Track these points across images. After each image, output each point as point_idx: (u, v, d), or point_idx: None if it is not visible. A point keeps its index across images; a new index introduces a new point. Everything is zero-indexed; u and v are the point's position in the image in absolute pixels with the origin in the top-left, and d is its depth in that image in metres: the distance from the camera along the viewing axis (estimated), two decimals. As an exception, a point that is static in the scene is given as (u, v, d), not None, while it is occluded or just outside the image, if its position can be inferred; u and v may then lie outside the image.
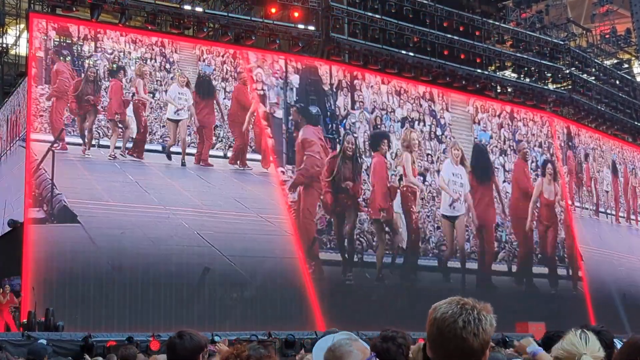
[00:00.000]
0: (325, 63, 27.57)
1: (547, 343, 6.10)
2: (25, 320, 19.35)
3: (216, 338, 15.85)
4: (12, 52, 28.07)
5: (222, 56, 25.27)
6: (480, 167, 30.43)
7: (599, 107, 36.20)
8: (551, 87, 34.54)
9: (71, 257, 21.88)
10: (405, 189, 27.91)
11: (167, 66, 24.32)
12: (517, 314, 27.35)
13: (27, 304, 20.03)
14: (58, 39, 23.01)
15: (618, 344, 4.95)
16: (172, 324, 20.18)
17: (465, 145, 29.68)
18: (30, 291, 20.08)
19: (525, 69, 33.01)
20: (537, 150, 31.88)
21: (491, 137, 30.22)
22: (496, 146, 30.38)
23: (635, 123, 38.11)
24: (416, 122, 28.41)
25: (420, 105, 28.66)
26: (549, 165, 32.44)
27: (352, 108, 27.31)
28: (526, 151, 31.76)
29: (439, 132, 28.90)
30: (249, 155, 25.03)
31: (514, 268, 30.77)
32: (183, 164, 24.03)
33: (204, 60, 24.95)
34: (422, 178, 28.49)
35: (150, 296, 22.54)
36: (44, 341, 12.18)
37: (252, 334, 20.21)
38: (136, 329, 19.93)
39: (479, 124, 29.98)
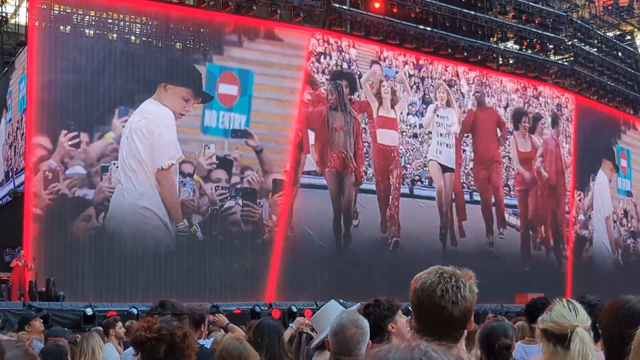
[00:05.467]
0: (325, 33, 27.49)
1: (530, 312, 6.10)
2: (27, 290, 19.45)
3: (212, 309, 15.95)
4: (12, 21, 27.89)
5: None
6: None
7: (601, 79, 36.05)
8: (553, 58, 34.39)
9: (71, 226, 21.93)
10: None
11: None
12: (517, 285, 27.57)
13: (25, 276, 20.07)
14: (58, 8, 22.89)
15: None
16: (173, 294, 20.18)
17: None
18: (31, 261, 20.12)
19: (528, 40, 32.83)
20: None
21: (396, 73, 29.68)
22: (400, 82, 29.40)
23: (637, 95, 37.98)
24: (322, 57, 27.59)
25: (328, 42, 27.84)
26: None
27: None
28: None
29: (345, 67, 28.07)
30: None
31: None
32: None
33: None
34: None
35: (152, 266, 22.60)
36: None
37: (254, 305, 20.36)
38: (137, 299, 20.01)
39: (384, 61, 29.47)
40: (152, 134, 23.37)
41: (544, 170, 32.81)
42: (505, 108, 32.08)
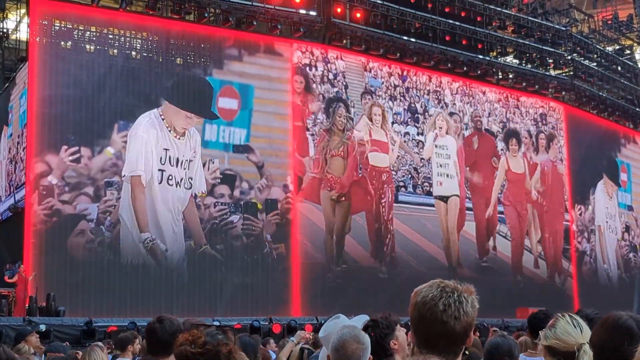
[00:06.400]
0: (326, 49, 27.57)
1: (533, 325, 6.07)
2: (27, 305, 19.41)
3: (215, 323, 15.91)
4: (13, 37, 27.96)
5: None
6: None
7: (601, 94, 36.11)
8: (553, 73, 34.43)
9: (72, 241, 21.90)
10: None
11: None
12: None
13: (28, 289, 20.05)
14: (59, 24, 22.96)
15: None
16: (173, 309, 20.22)
17: (357, 90, 28.48)
18: (31, 273, 20.09)
19: (527, 54, 32.89)
20: (425, 98, 30.33)
21: (382, 84, 29.45)
22: (386, 92, 29.21)
23: (637, 109, 38.04)
24: (307, 68, 27.29)
25: (312, 54, 27.67)
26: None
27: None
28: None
29: (331, 77, 27.78)
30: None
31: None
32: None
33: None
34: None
35: (152, 281, 22.57)
36: None
37: (253, 320, 20.31)
38: (137, 314, 19.98)
39: (370, 71, 29.33)
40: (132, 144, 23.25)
41: (538, 190, 32.67)
42: (487, 117, 32.01)
